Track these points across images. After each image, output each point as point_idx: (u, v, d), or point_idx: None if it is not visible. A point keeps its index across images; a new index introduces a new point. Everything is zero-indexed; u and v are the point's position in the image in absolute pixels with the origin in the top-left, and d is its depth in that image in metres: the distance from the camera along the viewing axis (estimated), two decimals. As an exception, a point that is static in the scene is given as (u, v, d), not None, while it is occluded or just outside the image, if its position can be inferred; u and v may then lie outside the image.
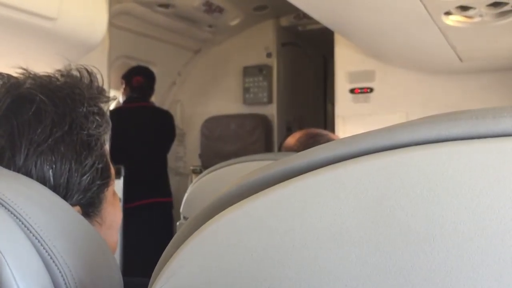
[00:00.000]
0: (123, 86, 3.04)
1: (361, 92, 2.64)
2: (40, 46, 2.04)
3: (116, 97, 0.67)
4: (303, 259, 0.26)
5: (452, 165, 0.26)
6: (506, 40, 1.75)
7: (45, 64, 2.15)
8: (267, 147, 3.39)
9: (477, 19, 1.50)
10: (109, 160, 0.66)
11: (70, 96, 0.60)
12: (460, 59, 2.09)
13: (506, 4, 1.40)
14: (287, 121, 3.60)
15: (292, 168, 0.30)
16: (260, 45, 3.49)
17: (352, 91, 2.67)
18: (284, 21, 3.46)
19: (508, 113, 0.27)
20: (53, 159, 0.55)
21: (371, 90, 2.63)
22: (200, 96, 3.65)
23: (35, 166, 0.54)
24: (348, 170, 0.28)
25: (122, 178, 2.45)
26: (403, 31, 1.78)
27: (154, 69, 3.22)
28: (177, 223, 1.32)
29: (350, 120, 2.70)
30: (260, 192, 0.30)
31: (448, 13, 1.48)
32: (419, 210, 0.26)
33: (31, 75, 0.63)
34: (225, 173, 1.25)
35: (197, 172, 3.52)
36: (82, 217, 0.48)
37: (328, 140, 1.47)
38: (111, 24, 2.65)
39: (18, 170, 0.53)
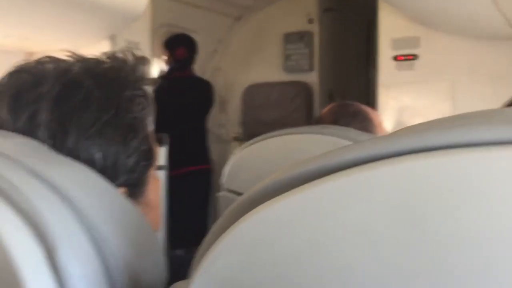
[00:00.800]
0: (167, 55, 3.07)
1: (405, 59, 2.58)
2: (85, 19, 2.08)
3: (159, 80, 0.69)
4: (333, 258, 0.27)
5: (482, 170, 0.27)
6: (561, 5, 1.66)
7: (88, 37, 2.20)
8: (308, 115, 3.38)
9: (530, -15, 1.42)
10: (152, 141, 0.68)
11: (116, 80, 0.63)
12: (510, 25, 2.00)
13: (562, -32, 1.32)
14: (329, 89, 3.56)
15: (322, 167, 0.31)
16: (301, 11, 3.43)
17: (396, 58, 2.61)
18: (327, -14, 3.39)
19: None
20: (101, 142, 0.58)
21: (416, 57, 2.56)
22: (241, 64, 3.65)
23: (85, 150, 0.57)
24: (377, 172, 0.29)
25: (166, 147, 2.51)
26: (450, -3, 1.72)
27: (195, 36, 3.23)
28: (220, 194, 1.36)
29: (393, 88, 2.64)
30: (290, 191, 0.31)
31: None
32: (447, 214, 0.26)
33: (79, 59, 0.65)
34: (264, 146, 1.26)
35: (238, 139, 3.57)
36: (127, 201, 0.50)
37: (359, 109, 1.46)
38: (150, -7, 2.67)
39: (68, 153, 0.56)
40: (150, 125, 0.68)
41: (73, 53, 0.66)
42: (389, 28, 2.62)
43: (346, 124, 1.38)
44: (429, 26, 2.45)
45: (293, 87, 3.40)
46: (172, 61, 3.06)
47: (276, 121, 3.43)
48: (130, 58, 0.68)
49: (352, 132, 1.19)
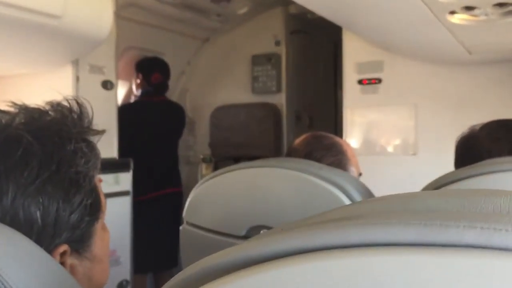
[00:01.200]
0: (139, 78, 3.06)
1: (369, 83, 2.62)
2: (46, 44, 2.05)
3: (105, 131, 0.68)
4: None
5: (397, 271, 0.27)
6: (514, 36, 1.71)
7: (50, 62, 2.16)
8: (276, 137, 3.39)
9: (482, 18, 1.47)
10: (99, 193, 0.67)
11: (58, 133, 0.61)
12: (469, 52, 2.06)
13: (511, 4, 1.37)
14: (297, 110, 3.58)
15: (244, 257, 0.31)
16: (268, 33, 3.46)
17: (360, 82, 2.65)
18: (293, 9, 3.42)
19: (455, 222, 0.27)
20: (41, 200, 0.56)
21: (380, 81, 2.60)
22: (209, 85, 3.65)
23: (23, 208, 0.55)
24: (301, 266, 0.29)
25: (131, 171, 2.48)
26: (409, 29, 1.76)
27: (163, 58, 3.23)
28: (180, 228, 1.34)
29: (358, 111, 2.68)
30: (216, 280, 0.31)
31: (453, 12, 1.46)
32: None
33: (22, 110, 0.63)
34: (225, 179, 1.25)
35: (206, 161, 3.54)
36: (61, 268, 0.49)
37: (333, 142, 1.47)
38: (119, 17, 2.65)
39: (5, 212, 0.54)
40: (96, 175, 0.67)
41: (15, 103, 0.64)
42: (354, 52, 2.66)
43: (320, 157, 1.39)
44: (392, 51, 2.50)
45: (261, 109, 3.41)
46: (146, 85, 3.05)
47: (244, 143, 3.43)
48: (75, 107, 0.66)
49: (312, 167, 1.20)
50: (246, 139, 3.42)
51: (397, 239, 0.27)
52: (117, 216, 2.45)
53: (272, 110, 3.40)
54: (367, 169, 2.60)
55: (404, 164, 2.52)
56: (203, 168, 3.55)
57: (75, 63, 2.34)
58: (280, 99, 3.46)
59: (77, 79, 2.34)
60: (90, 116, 0.67)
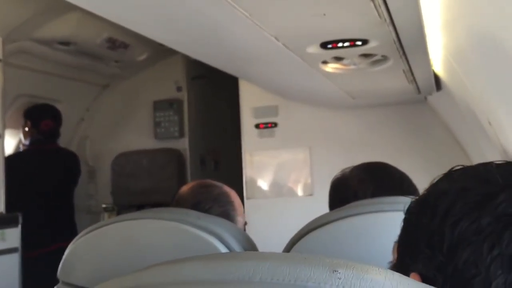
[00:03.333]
0: (28, 126, 2.92)
1: (265, 127, 2.69)
2: None
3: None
4: None
5: None
6: (386, 81, 1.85)
7: None
8: (180, 182, 3.35)
9: (353, 67, 1.58)
10: None
11: None
12: (352, 97, 2.19)
13: (376, 54, 1.48)
14: (201, 154, 3.59)
15: None
16: (170, 79, 3.48)
17: (257, 126, 2.72)
18: (193, 55, 3.47)
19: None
20: None
21: (275, 124, 2.69)
22: (110, 132, 3.57)
23: None
24: None
25: (19, 226, 2.33)
26: (292, 77, 1.85)
27: (59, 106, 3.11)
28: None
29: (257, 154, 2.74)
30: None
31: (325, 62, 1.55)
32: None
33: None
34: (102, 234, 1.21)
35: (109, 210, 3.42)
36: None
37: (221, 192, 1.48)
38: (8, 64, 2.54)
39: None
40: None
41: None
42: (250, 97, 2.74)
43: (208, 208, 1.37)
44: (285, 97, 2.60)
45: (164, 155, 3.37)
46: (35, 133, 2.91)
47: (147, 190, 3.35)
48: None
49: (190, 216, 1.19)
50: (149, 186, 3.35)
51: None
52: (4, 275, 2.28)
53: (175, 156, 3.38)
54: (266, 211, 2.65)
55: (302, 204, 2.58)
56: (106, 217, 3.42)
57: (-45, 113, 2.19)
58: (184, 144, 3.45)
59: (-42, 131, 2.20)
60: None
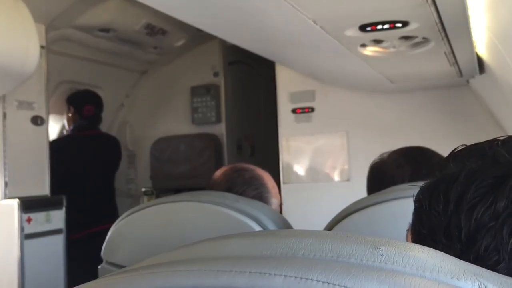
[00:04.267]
0: (71, 112, 3.00)
1: (302, 112, 2.68)
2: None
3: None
4: None
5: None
6: (427, 64, 1.81)
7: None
8: (217, 167, 3.38)
9: (392, 50, 1.55)
10: None
11: None
12: (391, 81, 2.15)
13: (416, 36, 1.45)
14: (238, 139, 3.61)
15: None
16: (207, 64, 3.50)
17: (294, 111, 2.71)
18: (230, 40, 3.48)
19: (230, 267, 0.28)
20: None
21: (312, 109, 2.67)
22: (149, 117, 3.63)
23: None
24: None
25: (64, 209, 2.41)
26: (331, 61, 1.83)
27: (100, 92, 3.19)
28: (99, 267, 1.31)
29: (293, 139, 2.73)
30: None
31: (364, 45, 1.53)
32: None
33: None
34: (142, 216, 1.24)
35: (148, 194, 3.49)
36: None
37: (254, 175, 1.49)
38: (50, 51, 2.62)
39: None
40: None
41: None
42: (286, 82, 2.73)
43: (242, 192, 1.39)
44: (322, 81, 2.58)
45: (201, 140, 3.41)
46: (78, 118, 2.99)
47: (185, 174, 3.41)
48: None
49: (228, 199, 1.21)
50: (187, 170, 3.40)
51: (181, 285, 0.29)
52: (49, 256, 2.37)
53: (213, 141, 3.41)
54: (303, 196, 2.65)
55: (339, 190, 2.57)
56: (145, 201, 3.49)
57: (2, 99, 2.27)
58: (221, 129, 3.48)
59: (4, 115, 2.28)
60: None
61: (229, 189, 1.41)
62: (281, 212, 2.11)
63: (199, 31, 3.32)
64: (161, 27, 3.02)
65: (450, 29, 1.34)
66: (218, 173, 1.55)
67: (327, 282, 0.26)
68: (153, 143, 3.49)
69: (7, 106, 2.30)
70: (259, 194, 1.42)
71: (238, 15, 1.34)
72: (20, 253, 2.21)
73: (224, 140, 3.46)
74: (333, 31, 1.32)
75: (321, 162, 2.65)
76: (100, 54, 3.13)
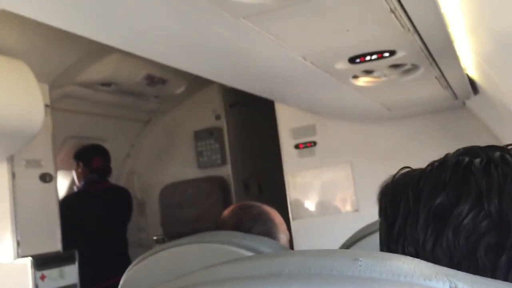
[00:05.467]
0: (80, 167, 3.05)
1: (305, 147, 2.72)
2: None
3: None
4: None
5: None
6: (420, 90, 1.85)
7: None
8: (226, 208, 3.40)
9: (384, 78, 1.59)
10: None
11: None
12: (388, 109, 2.19)
13: (405, 64, 1.50)
14: (244, 179, 3.63)
15: None
16: (208, 108, 3.57)
17: (297, 146, 2.75)
18: (229, 83, 3.56)
19: None
20: None
21: (315, 143, 2.71)
22: (155, 165, 3.68)
23: None
24: None
25: (76, 263, 2.42)
26: (326, 94, 1.87)
27: (106, 144, 3.25)
28: (113, 316, 1.32)
29: (299, 174, 2.75)
30: None
31: (356, 77, 1.57)
32: None
33: None
34: (154, 261, 1.26)
35: (160, 241, 3.49)
36: None
37: (261, 211, 1.51)
38: (55, 109, 2.69)
39: None
40: None
41: None
42: (287, 119, 2.78)
43: (250, 227, 1.41)
44: (321, 115, 2.62)
45: (208, 183, 3.44)
46: (88, 173, 3.04)
47: (195, 218, 3.42)
48: None
49: (235, 237, 1.22)
50: (197, 214, 3.41)
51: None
52: (64, 312, 2.36)
53: (219, 183, 3.44)
54: (313, 230, 2.65)
55: (348, 220, 2.57)
56: (157, 249, 3.49)
57: (10, 159, 2.33)
58: (227, 171, 3.51)
59: (13, 175, 2.32)
60: None
61: (237, 226, 1.42)
62: (291, 248, 2.11)
63: (197, 77, 3.41)
64: (161, 77, 3.10)
65: (436, 54, 1.39)
66: (226, 212, 1.57)
67: (308, 293, 0.28)
68: (161, 190, 3.52)
69: (15, 166, 2.34)
70: (267, 230, 1.44)
71: (230, 59, 1.39)
72: (35, 311, 2.21)
73: (231, 181, 3.49)
74: (323, 65, 1.37)
75: (328, 194, 2.67)
76: (103, 107, 3.20)
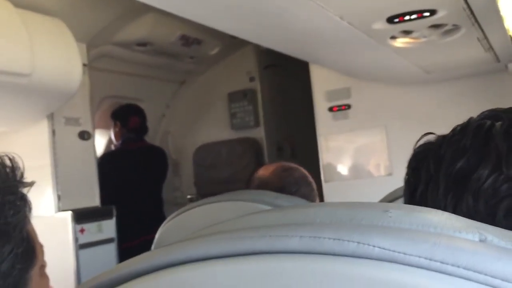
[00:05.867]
0: (117, 126, 3.12)
1: (339, 110, 2.69)
2: (19, 102, 2.12)
3: (34, 182, 0.72)
4: None
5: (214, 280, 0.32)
6: (461, 52, 1.79)
7: (25, 118, 2.22)
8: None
9: (423, 39, 1.55)
10: (32, 241, 0.70)
11: None
12: (426, 72, 2.13)
13: (446, 24, 1.45)
14: (277, 142, 3.64)
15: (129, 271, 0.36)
16: (243, 70, 3.56)
17: (331, 109, 2.72)
18: (264, 45, 3.53)
19: (257, 233, 0.32)
20: None
21: (349, 106, 2.68)
22: (189, 126, 3.72)
23: None
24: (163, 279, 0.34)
25: (114, 219, 2.51)
26: (363, 56, 1.84)
27: (142, 104, 3.30)
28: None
29: (332, 137, 2.74)
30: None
31: (394, 37, 1.53)
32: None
33: None
34: (186, 218, 1.30)
35: (193, 200, 3.58)
36: None
37: (301, 175, 1.52)
38: (92, 68, 2.74)
39: None
40: (29, 224, 0.70)
41: None
42: (322, 81, 2.75)
43: (295, 191, 1.42)
44: (357, 77, 2.58)
45: (241, 144, 3.47)
46: (125, 132, 3.11)
47: (228, 179, 3.47)
48: (7, 162, 0.71)
49: (268, 196, 1.24)
50: (229, 175, 3.46)
51: (211, 252, 0.33)
52: (103, 264, 2.46)
53: (252, 145, 3.46)
54: (345, 194, 2.65)
55: (381, 184, 2.56)
56: (191, 207, 3.57)
57: (50, 117, 2.40)
58: (260, 133, 3.52)
59: (53, 132, 2.40)
60: (22, 170, 0.71)
61: (281, 189, 1.42)
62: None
63: (232, 37, 3.39)
64: (196, 37, 3.10)
65: (479, 14, 1.34)
66: (265, 171, 1.58)
67: (337, 239, 0.29)
68: (195, 150, 3.58)
69: (55, 123, 2.42)
70: (308, 193, 1.44)
71: (266, 18, 1.38)
72: (75, 262, 2.32)
73: (264, 143, 3.50)
74: (360, 25, 1.34)
75: (361, 158, 2.65)
76: (139, 67, 3.24)
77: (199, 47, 3.24)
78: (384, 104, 2.59)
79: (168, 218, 1.34)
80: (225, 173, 3.47)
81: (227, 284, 0.32)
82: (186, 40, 3.08)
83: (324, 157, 2.75)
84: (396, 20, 1.34)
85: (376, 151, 2.61)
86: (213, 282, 0.32)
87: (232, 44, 3.43)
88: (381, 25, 1.35)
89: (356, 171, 2.65)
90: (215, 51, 3.40)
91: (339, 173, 2.69)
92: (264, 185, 1.52)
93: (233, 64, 3.59)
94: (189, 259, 0.35)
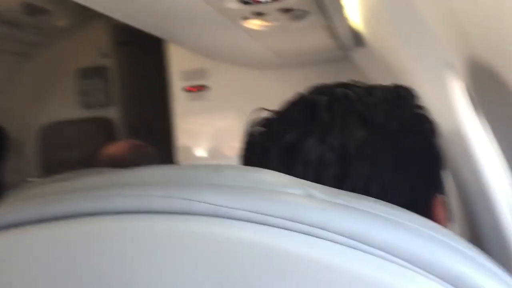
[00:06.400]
0: None
1: (198, 91, 2.69)
2: None
3: None
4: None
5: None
6: (309, 39, 1.89)
7: None
8: (112, 151, 3.30)
9: (275, 23, 1.60)
10: None
11: None
12: (279, 56, 2.22)
13: (296, 9, 1.51)
14: (132, 122, 3.53)
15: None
16: (95, 45, 3.36)
17: (187, 90, 2.71)
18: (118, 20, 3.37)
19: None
20: None
21: (206, 88, 2.68)
22: (35, 102, 3.43)
23: None
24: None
25: None
26: (218, 36, 1.84)
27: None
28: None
29: (188, 118, 2.73)
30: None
31: (246, 18, 1.56)
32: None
33: None
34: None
35: (38, 183, 3.31)
36: None
37: (151, 154, 1.49)
38: None
39: None
40: None
41: None
42: (179, 60, 2.71)
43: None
44: (214, 58, 2.60)
45: (93, 124, 3.29)
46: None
47: (79, 161, 3.27)
48: None
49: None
50: (79, 157, 3.27)
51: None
52: None
53: (104, 124, 3.31)
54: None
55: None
56: (35, 191, 3.31)
57: None
58: (113, 112, 3.38)
59: None
60: None
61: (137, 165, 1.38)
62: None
63: (84, 9, 3.17)
64: (42, 6, 2.84)
65: (323, 1, 1.42)
66: (116, 149, 1.51)
67: (166, 196, 0.28)
68: (41, 129, 3.31)
69: None
70: None
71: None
72: None
73: (118, 123, 3.37)
74: (214, 2, 1.34)
75: (217, 140, 2.69)
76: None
77: (45, 18, 2.98)
78: (242, 87, 2.65)
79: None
80: (74, 154, 3.26)
81: (44, 251, 0.29)
82: (30, 9, 2.80)
83: (180, 138, 2.73)
84: (250, 0, 1.36)
85: (233, 133, 2.67)
86: (28, 249, 0.29)
87: (84, 16, 3.21)
88: (234, 4, 1.37)
89: (212, 152, 2.68)
90: (64, 23, 3.16)
91: (194, 155, 2.70)
92: (120, 163, 1.46)
93: (85, 39, 3.37)
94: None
